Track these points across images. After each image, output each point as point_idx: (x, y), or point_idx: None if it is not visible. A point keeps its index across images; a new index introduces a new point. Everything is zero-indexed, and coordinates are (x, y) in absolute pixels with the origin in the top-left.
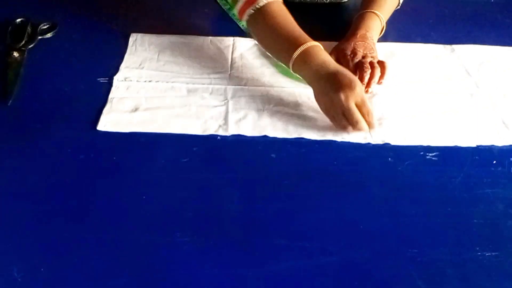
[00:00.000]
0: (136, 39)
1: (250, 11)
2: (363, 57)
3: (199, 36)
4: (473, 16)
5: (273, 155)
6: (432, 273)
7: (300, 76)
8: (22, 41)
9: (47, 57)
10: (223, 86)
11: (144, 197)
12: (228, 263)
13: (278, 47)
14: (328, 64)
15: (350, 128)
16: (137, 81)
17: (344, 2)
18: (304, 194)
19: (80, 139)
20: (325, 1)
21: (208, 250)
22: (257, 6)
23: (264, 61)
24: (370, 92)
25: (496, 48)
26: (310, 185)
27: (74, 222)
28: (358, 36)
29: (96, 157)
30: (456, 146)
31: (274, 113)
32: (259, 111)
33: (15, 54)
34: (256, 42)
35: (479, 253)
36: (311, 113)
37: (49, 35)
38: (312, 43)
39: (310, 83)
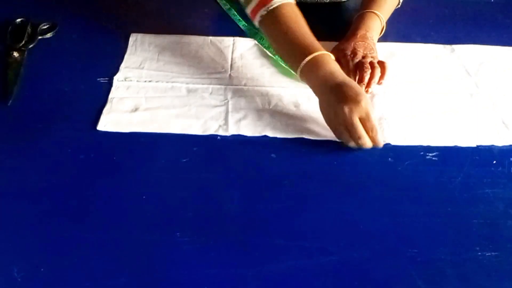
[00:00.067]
0: (136, 39)
1: (262, 12)
2: (363, 57)
3: (199, 36)
4: (473, 16)
5: (273, 155)
6: (432, 273)
7: (307, 85)
8: (22, 41)
9: (47, 57)
10: (223, 86)
11: (144, 197)
12: (228, 263)
13: (287, 53)
14: (336, 75)
15: (352, 142)
16: (137, 81)
17: (344, 1)
18: (304, 194)
19: (80, 139)
20: (325, 1)
21: (208, 250)
22: (270, 8)
23: (264, 61)
24: (370, 92)
25: (496, 48)
26: (310, 185)
27: (74, 222)
28: (358, 36)
29: (96, 157)
30: (456, 146)
31: (274, 113)
32: (259, 111)
33: (15, 54)
34: (256, 42)
35: (479, 253)
36: (311, 113)
37: (49, 35)
38: (321, 52)
39: (316, 93)
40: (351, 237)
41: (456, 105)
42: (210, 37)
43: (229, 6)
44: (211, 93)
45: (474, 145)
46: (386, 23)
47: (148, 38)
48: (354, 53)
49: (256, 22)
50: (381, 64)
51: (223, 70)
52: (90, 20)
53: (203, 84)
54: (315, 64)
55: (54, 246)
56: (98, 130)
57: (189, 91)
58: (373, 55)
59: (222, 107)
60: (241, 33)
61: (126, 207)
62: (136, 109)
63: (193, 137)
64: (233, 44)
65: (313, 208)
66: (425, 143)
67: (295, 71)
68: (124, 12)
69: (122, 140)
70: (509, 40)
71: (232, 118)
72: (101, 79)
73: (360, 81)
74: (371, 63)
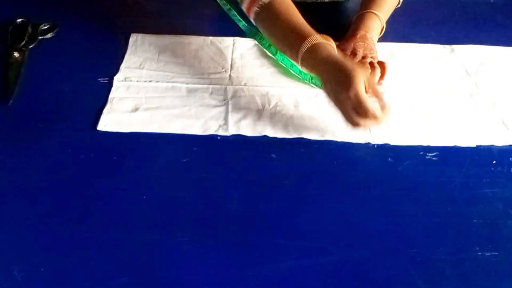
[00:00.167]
0: (136, 39)
1: (255, 8)
2: (363, 57)
3: (199, 36)
4: (473, 16)
5: (273, 155)
6: (431, 273)
7: (310, 72)
8: (22, 41)
9: (47, 57)
10: (223, 86)
11: (144, 197)
12: (228, 263)
13: (285, 43)
14: (331, 60)
15: (362, 121)
16: (138, 81)
17: (344, 1)
18: (304, 194)
19: (80, 139)
20: (325, 0)
21: (208, 250)
22: (261, 3)
23: (264, 61)
24: (370, 92)
25: (496, 48)
26: (310, 185)
27: (74, 222)
28: (358, 36)
29: (96, 157)
30: (456, 146)
31: (274, 113)
32: (259, 111)
33: (16, 54)
34: (256, 42)
35: (479, 253)
36: (311, 113)
37: (49, 35)
38: (318, 36)
39: (319, 78)
40: (351, 237)
41: (456, 105)
42: (210, 37)
43: (229, 6)
44: (211, 93)
45: (474, 145)
46: (386, 23)
47: (148, 38)
48: (354, 53)
49: (252, 19)
50: (381, 64)
51: (223, 70)
52: (91, 21)
53: (203, 84)
54: (312, 52)
55: (54, 246)
56: (98, 130)
57: (189, 91)
58: (373, 55)
59: (222, 107)
60: (241, 33)
61: (126, 207)
62: (136, 109)
63: (193, 137)
64: (233, 44)
65: (313, 208)
66: (425, 143)
67: (296, 60)
68: (124, 12)
69: (122, 140)
70: (509, 40)
71: (232, 118)
72: (101, 79)
73: None
74: (371, 63)
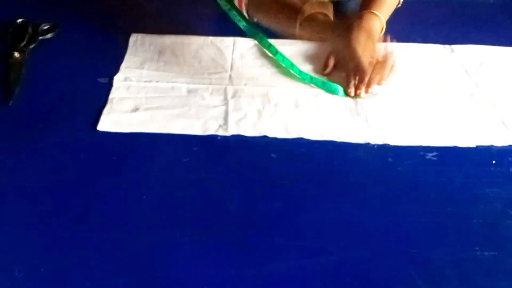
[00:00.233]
0: (136, 40)
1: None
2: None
3: (199, 36)
4: (473, 17)
5: (273, 155)
6: (431, 273)
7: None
8: (23, 42)
9: (48, 58)
10: (223, 86)
11: (144, 197)
12: (228, 263)
13: (280, 20)
14: (326, 25)
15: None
16: (138, 81)
17: (344, 0)
18: (304, 194)
19: (80, 139)
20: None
21: (208, 250)
22: None
23: (264, 61)
24: (370, 92)
25: (496, 48)
26: (310, 185)
27: (74, 222)
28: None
29: (96, 157)
30: (456, 146)
31: (274, 113)
32: (259, 111)
33: (16, 54)
34: (256, 42)
35: (478, 253)
36: (311, 113)
37: (50, 35)
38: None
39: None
40: (351, 237)
41: (456, 105)
42: (210, 37)
43: (229, 6)
44: (211, 93)
45: (473, 145)
46: (386, 23)
47: (149, 38)
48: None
49: (245, 13)
50: (381, 64)
51: (223, 70)
52: (91, 21)
53: (203, 84)
54: (310, 20)
55: (54, 246)
56: (98, 130)
57: (189, 91)
58: (373, 55)
59: (222, 107)
60: (241, 33)
61: (126, 207)
62: (136, 109)
63: (193, 137)
64: (233, 44)
65: (313, 208)
66: (425, 143)
67: (294, 32)
68: (124, 12)
69: (122, 140)
70: (509, 40)
71: (232, 118)
72: (102, 79)
73: (360, 82)
74: (371, 63)
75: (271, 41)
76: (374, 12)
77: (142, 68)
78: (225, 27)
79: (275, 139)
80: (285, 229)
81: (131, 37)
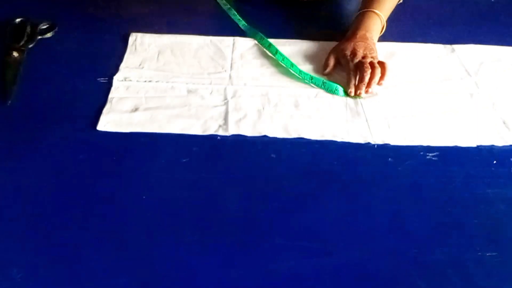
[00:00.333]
0: (136, 39)
1: None
2: (363, 57)
3: (199, 36)
4: (473, 16)
5: (273, 155)
6: (432, 273)
7: None
8: (21, 41)
9: (46, 57)
10: (223, 86)
11: (144, 197)
12: (228, 263)
13: None
14: None
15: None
16: (137, 81)
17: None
18: (304, 194)
19: (80, 139)
20: None
21: (208, 250)
22: None
23: (264, 61)
24: (370, 92)
25: (496, 48)
26: (310, 185)
27: (74, 222)
28: (358, 36)
29: (96, 157)
30: (456, 146)
31: (274, 113)
32: (259, 111)
33: (15, 54)
34: (256, 42)
35: (480, 253)
36: (311, 113)
37: (48, 35)
38: None
39: None
40: (351, 237)
41: (456, 105)
42: (210, 37)
43: (229, 6)
44: (211, 93)
45: (474, 145)
46: (386, 22)
47: (148, 38)
48: (354, 53)
49: None
50: (381, 64)
51: (223, 70)
52: (90, 20)
53: (203, 84)
54: None
55: (54, 246)
56: (98, 130)
57: (189, 91)
58: (373, 55)
59: (222, 107)
60: (241, 33)
61: (126, 207)
62: (136, 109)
63: (193, 137)
64: (233, 44)
65: (313, 208)
66: (425, 143)
67: None
68: (124, 12)
69: (122, 140)
70: (509, 40)
71: (232, 118)
72: (101, 79)
73: (360, 81)
74: (371, 63)
75: (271, 41)
76: (375, 10)
77: (142, 68)
78: (225, 27)
79: (275, 139)
80: (285, 229)
81: (131, 36)
